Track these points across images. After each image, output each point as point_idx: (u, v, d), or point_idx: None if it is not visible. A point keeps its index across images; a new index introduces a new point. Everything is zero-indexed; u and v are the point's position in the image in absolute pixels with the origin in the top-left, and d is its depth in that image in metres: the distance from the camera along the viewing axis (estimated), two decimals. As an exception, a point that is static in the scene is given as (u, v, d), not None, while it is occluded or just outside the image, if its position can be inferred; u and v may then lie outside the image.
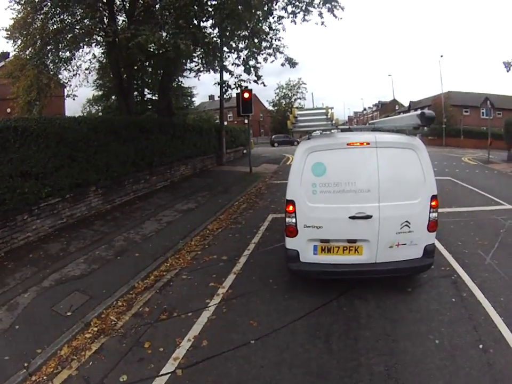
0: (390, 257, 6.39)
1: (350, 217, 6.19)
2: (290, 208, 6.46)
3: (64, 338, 5.67)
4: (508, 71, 27.23)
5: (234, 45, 18.33)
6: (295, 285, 7.47)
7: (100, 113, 34.94)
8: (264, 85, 21.64)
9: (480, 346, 5.38)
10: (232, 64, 19.65)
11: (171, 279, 8.07)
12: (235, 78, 20.77)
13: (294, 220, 6.46)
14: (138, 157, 14.73)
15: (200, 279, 7.99)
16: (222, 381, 4.90)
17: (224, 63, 19.22)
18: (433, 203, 6.33)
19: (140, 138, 15.00)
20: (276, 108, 76.05)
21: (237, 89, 21.41)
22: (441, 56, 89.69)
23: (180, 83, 29.85)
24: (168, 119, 19.32)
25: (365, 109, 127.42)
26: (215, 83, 22.40)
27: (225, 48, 18.56)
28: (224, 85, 22.16)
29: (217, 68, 19.27)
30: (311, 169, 6.39)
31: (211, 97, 77.50)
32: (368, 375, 4.90)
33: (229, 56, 19.72)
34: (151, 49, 16.22)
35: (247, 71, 19.62)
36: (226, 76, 21.63)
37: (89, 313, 6.35)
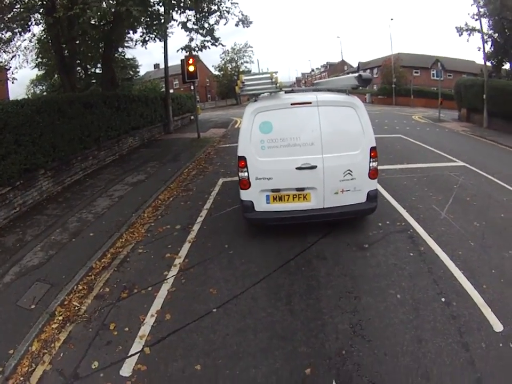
0: (336, 202, 7.32)
1: (296, 168, 7.06)
2: (242, 163, 7.26)
3: (33, 333, 5.52)
4: (460, 36, 29.00)
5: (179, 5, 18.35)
6: (251, 248, 7.58)
7: (45, 93, 33.66)
8: (223, 46, 22.77)
9: (443, 299, 5.63)
10: (182, 28, 19.55)
11: (127, 255, 7.95)
12: (191, 40, 21.03)
13: (246, 174, 7.26)
14: (84, 134, 14.19)
15: (156, 251, 7.96)
16: (189, 353, 4.95)
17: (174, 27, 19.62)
18: (372, 154, 7.24)
19: (85, 114, 14.43)
20: (221, 72, 74.59)
21: (201, 51, 21.69)
22: (392, 19, 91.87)
23: (122, 54, 29.07)
24: (112, 92, 18.58)
25: (313, 70, 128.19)
26: (180, 49, 21.71)
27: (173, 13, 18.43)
28: (186, 49, 21.74)
29: (163, 35, 19.73)
30: (259, 127, 7.19)
31: (156, 66, 75.89)
32: (333, 333, 5.07)
33: (176, 21, 19.64)
34: (94, 22, 15.79)
35: (207, 33, 20.34)
36: (181, 40, 21.49)
37: (52, 302, 6.20)
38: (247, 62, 75.24)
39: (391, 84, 56.92)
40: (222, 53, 73.46)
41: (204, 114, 42.65)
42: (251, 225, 8.30)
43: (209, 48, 21.34)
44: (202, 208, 10.16)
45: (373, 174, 7.33)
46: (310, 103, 7.15)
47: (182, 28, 19.47)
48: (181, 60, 20.68)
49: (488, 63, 28.65)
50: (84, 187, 12.63)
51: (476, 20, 27.13)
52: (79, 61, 23.89)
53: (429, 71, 59.36)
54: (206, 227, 8.96)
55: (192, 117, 30.97)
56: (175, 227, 9.09)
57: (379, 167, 7.57)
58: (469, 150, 16.85)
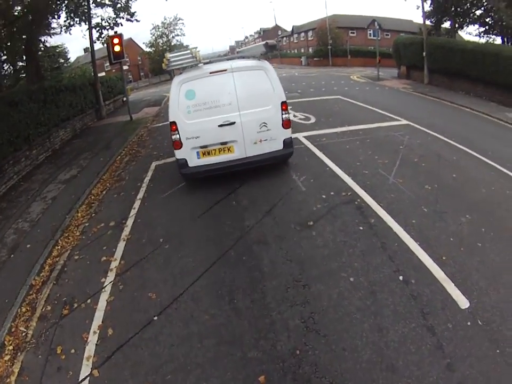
0: (256, 151, 8.69)
1: (218, 126, 8.38)
2: (174, 127, 8.50)
3: (-14, 371, 4.99)
4: None
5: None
6: (187, 239, 7.18)
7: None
8: (137, 21, 22.85)
9: (400, 277, 5.34)
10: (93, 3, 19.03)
11: (65, 264, 7.36)
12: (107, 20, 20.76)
13: (178, 136, 8.54)
14: (13, 135, 13.15)
15: (92, 255, 7.41)
16: (137, 371, 4.59)
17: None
18: (283, 107, 8.60)
19: (11, 114, 13.39)
20: (153, 49, 72.24)
21: (112, 29, 21.20)
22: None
23: (46, 43, 27.30)
24: (38, 85, 17.45)
25: (246, 37, 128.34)
26: (91, 27, 20.93)
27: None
28: (98, 28, 21.22)
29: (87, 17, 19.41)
30: (185, 95, 8.38)
31: (86, 49, 71.84)
32: (284, 332, 4.71)
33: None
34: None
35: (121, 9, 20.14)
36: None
37: (0, 331, 5.66)
38: (178, 35, 73.97)
39: (327, 45, 56.82)
40: (152, 29, 71.47)
41: (137, 94, 42.34)
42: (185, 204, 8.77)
43: (121, 25, 21.56)
44: (135, 199, 9.56)
45: (286, 124, 8.72)
46: (226, 70, 8.42)
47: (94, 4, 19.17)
48: (106, 41, 19.80)
49: (428, 22, 29.02)
50: (18, 192, 11.72)
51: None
52: (3, 55, 22.42)
53: (366, 31, 59.25)
54: (140, 220, 8.40)
55: (124, 99, 29.90)
56: (109, 224, 8.49)
57: (319, 132, 9.83)
58: (412, 108, 16.90)
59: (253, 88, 8.50)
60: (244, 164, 8.75)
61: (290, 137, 8.98)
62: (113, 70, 63.95)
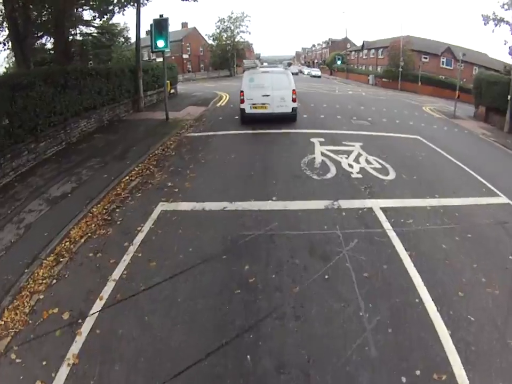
0: (278, 110, 16.42)
1: (262, 95, 16.23)
2: (242, 93, 16.47)
3: None
4: (485, 25, 24.43)
5: None
6: None
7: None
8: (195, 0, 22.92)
9: None
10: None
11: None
12: None
13: (244, 97, 16.39)
14: (14, 125, 10.74)
15: (28, 367, 4.63)
16: None
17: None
18: (293, 92, 16.47)
19: (14, 99, 10.85)
20: (216, 41, 69.65)
21: None
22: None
23: (94, 20, 24.42)
24: (63, 66, 14.78)
25: (313, 46, 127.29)
26: None
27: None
28: None
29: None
30: (248, 80, 16.88)
31: (148, 32, 70.72)
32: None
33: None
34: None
35: None
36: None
37: None
38: (243, 32, 70.76)
39: (397, 67, 52.91)
40: (218, 21, 68.81)
41: (190, 87, 40.12)
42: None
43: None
44: (109, 276, 6.22)
45: (294, 100, 16.57)
46: (268, 72, 17.88)
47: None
48: (150, 25, 16.65)
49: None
50: (5, 199, 9.24)
51: (506, 10, 23.05)
52: (37, 31, 19.98)
53: (439, 58, 55.92)
54: (99, 331, 5.12)
55: (172, 91, 27.60)
56: (62, 316, 5.38)
57: (402, 202, 8.91)
58: (502, 170, 13.14)
59: (279, 81, 16.72)
60: (271, 115, 16.56)
61: (296, 106, 16.97)
62: (173, 57, 62.85)
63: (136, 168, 11.21)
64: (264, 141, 14.24)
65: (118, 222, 8.12)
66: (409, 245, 6.91)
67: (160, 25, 16.44)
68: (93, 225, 8.04)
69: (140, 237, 7.41)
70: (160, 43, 16.52)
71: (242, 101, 16.29)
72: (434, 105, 33.60)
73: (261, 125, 16.17)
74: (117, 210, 8.70)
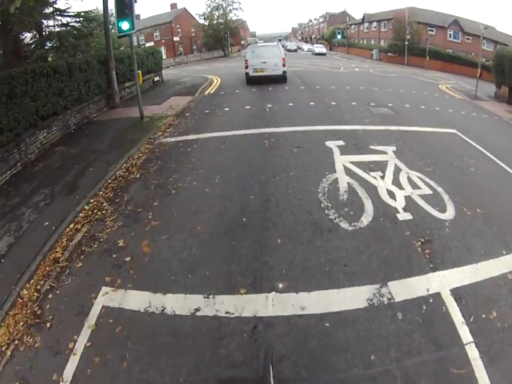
0: (273, 73, 21.85)
1: (261, 62, 21.74)
2: (246, 61, 22.25)
3: None
4: None
5: None
6: None
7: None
8: None
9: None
10: None
11: None
12: None
13: (247, 64, 22.12)
14: None
15: None
16: None
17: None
18: (283, 59, 21.99)
19: None
20: (207, 21, 64.90)
21: None
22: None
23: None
24: (10, 69, 11.39)
25: (310, 20, 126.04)
26: None
27: None
28: None
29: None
30: (250, 51, 22.98)
31: (137, 16, 66.17)
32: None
33: None
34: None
35: None
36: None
37: None
38: (235, 9, 66.30)
39: (403, 40, 49.02)
40: None
41: (179, 71, 37.62)
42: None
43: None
44: None
45: (283, 65, 21.80)
46: (265, 45, 25.80)
47: None
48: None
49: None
50: None
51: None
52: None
53: (445, 30, 51.82)
54: None
55: (157, 78, 24.52)
56: None
57: (476, 277, 5.41)
58: None
59: (274, 52, 21.99)
60: (268, 77, 21.81)
61: (285, 70, 22.16)
62: (163, 41, 59.17)
63: (86, 207, 7.76)
64: (262, 147, 10.72)
65: (48, 325, 5.00)
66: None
67: (123, 3, 12.88)
68: (21, 324, 5.02)
69: (71, 367, 4.35)
70: (125, 25, 12.85)
71: (246, 67, 22.40)
72: (449, 82, 30.95)
73: (257, 120, 13.59)
74: (50, 295, 5.49)
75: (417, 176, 8.72)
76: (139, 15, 65.96)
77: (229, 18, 64.56)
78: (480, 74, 24.33)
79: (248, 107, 15.75)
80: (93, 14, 28.74)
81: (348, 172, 8.75)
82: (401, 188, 8.11)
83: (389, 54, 53.44)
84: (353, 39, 73.44)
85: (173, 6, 69.00)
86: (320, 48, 64.56)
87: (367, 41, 68.38)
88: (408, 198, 7.66)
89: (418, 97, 20.37)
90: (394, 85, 24.95)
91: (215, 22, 63.67)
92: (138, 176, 9.34)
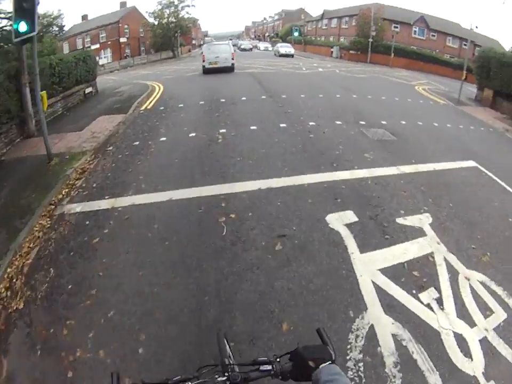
0: (224, 65, 26.91)
1: (215, 57, 26.73)
2: (204, 56, 26.86)
3: None
4: None
5: None
6: None
7: None
8: None
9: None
10: None
11: None
12: None
13: (204, 58, 26.69)
14: None
15: None
16: None
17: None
18: (232, 54, 27.52)
19: None
20: (158, 20, 58.93)
21: None
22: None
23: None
24: None
25: (265, 18, 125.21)
26: None
27: None
28: None
29: None
30: (207, 48, 27.96)
31: (84, 17, 61.86)
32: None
33: None
34: None
35: None
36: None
37: None
38: (188, 6, 61.00)
39: (367, 37, 45.65)
40: None
41: (121, 77, 33.28)
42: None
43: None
44: None
45: (232, 58, 27.10)
46: (218, 44, 30.70)
47: None
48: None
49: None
50: None
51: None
52: None
53: (411, 27, 50.57)
54: None
55: (89, 89, 19.74)
56: None
57: None
58: None
59: (224, 49, 27.45)
60: (220, 68, 26.39)
61: (233, 62, 27.15)
62: (109, 42, 56.24)
63: None
64: (216, 236, 5.92)
65: None
66: None
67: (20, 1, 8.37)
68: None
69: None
70: (22, 26, 8.37)
71: (203, 61, 26.66)
72: (421, 82, 29.24)
73: (206, 165, 8.72)
74: None
75: (480, 281, 5.25)
76: (87, 15, 62.68)
77: (180, 16, 59.38)
78: (465, 77, 22.05)
79: (193, 134, 11.10)
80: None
81: (384, 300, 4.63)
82: (471, 321, 4.55)
83: (351, 51, 49.80)
84: (310, 37, 69.54)
85: (122, 4, 62.91)
86: (287, 48, 50.97)
87: (325, 38, 64.63)
88: (485, 345, 4.26)
89: (405, 107, 17.11)
90: (371, 89, 21.44)
91: (166, 20, 58.26)
92: (22, 306, 4.89)
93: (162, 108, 15.42)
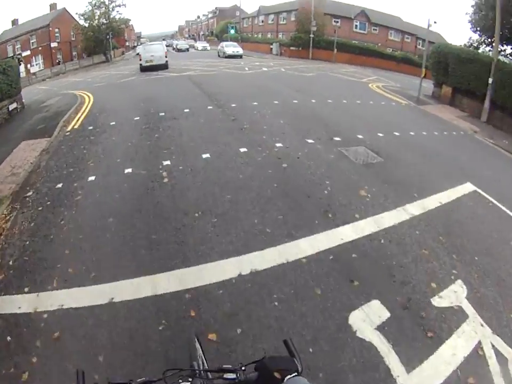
0: (158, 63, 29.01)
1: (150, 55, 29.00)
2: (140, 56, 30.24)
3: None
4: None
5: None
6: None
7: None
8: None
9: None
10: None
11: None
12: None
13: (140, 57, 29.56)
14: None
15: None
16: None
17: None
18: (166, 52, 30.01)
19: None
20: (88, 22, 53.92)
21: None
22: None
23: None
24: None
25: (198, 17, 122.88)
26: None
27: None
28: None
29: None
30: (143, 48, 31.25)
31: (15, 21, 56.37)
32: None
33: None
34: None
35: None
36: None
37: None
38: (119, 6, 56.11)
39: (308, 32, 43.50)
40: None
41: (50, 86, 29.42)
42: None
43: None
44: None
45: (165, 57, 29.32)
46: (152, 44, 34.06)
47: None
48: None
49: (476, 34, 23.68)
50: None
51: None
52: None
53: (352, 21, 50.03)
54: None
55: (13, 106, 16.68)
56: None
57: None
58: None
59: (158, 48, 29.82)
60: (155, 66, 28.33)
61: (167, 60, 29.32)
62: (40, 48, 51.20)
63: None
64: None
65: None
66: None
67: None
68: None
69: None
70: None
71: (140, 60, 29.46)
72: (371, 79, 28.29)
73: (150, 226, 6.22)
74: None
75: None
76: (17, 19, 56.63)
77: (112, 17, 55.10)
78: (425, 74, 21.74)
79: (129, 170, 8.50)
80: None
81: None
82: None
83: (291, 47, 47.43)
84: (247, 34, 67.15)
85: (52, 6, 57.20)
86: (234, 47, 48.42)
87: (263, 35, 62.64)
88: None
89: (372, 112, 15.66)
90: (327, 91, 19.59)
91: (96, 22, 53.76)
92: None
93: (91, 127, 12.55)
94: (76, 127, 12.89)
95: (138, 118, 13.10)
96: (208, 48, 61.74)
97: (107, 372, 3.71)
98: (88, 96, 18.78)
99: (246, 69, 29.77)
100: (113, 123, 12.72)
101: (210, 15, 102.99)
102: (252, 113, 13.26)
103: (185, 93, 17.45)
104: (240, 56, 42.87)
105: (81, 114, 14.68)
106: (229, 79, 23.46)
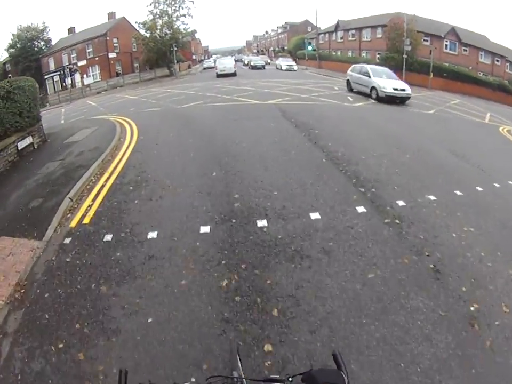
0: (229, 72, 39.97)
1: (223, 66, 40.18)
2: (216, 66, 44.26)
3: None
4: None
5: None
6: None
7: None
8: None
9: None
10: None
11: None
12: None
13: (216, 68, 42.69)
14: None
15: None
16: None
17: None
18: (234, 65, 41.56)
19: None
20: (149, 32, 50.10)
21: None
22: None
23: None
24: None
25: (267, 32, 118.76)
26: None
27: None
28: None
29: None
30: (218, 62, 43.96)
31: (71, 30, 55.50)
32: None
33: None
34: None
35: None
36: None
37: None
38: (184, 16, 51.77)
39: (401, 53, 36.54)
40: (150, 4, 49.67)
41: (98, 104, 26.29)
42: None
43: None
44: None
45: (234, 67, 40.75)
46: (225, 58, 57.93)
47: None
48: None
49: None
50: None
51: None
52: None
53: (442, 40, 42.72)
54: None
55: (26, 143, 11.60)
56: None
57: None
58: None
59: (229, 61, 42.52)
60: (227, 73, 38.15)
61: (235, 70, 39.60)
62: (96, 58, 50.06)
63: None
64: None
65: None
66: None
67: None
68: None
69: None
70: None
71: (216, 69, 39.05)
72: (485, 115, 22.25)
73: None
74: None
75: None
76: (74, 27, 56.02)
77: (175, 27, 50.71)
78: None
79: None
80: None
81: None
82: None
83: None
84: (322, 50, 59.73)
85: (110, 15, 54.80)
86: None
87: (342, 52, 55.80)
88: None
89: None
90: (483, 152, 11.94)
91: (158, 31, 49.63)
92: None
93: (109, 236, 6.10)
94: (84, 221, 6.71)
95: (208, 229, 6.10)
96: (295, 67, 49.69)
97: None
98: (132, 131, 13.21)
99: (350, 98, 21.46)
100: (153, 235, 6.04)
101: (280, 30, 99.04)
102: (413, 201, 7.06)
103: (288, 146, 10.42)
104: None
105: (107, 179, 8.59)
106: (343, 120, 14.76)
